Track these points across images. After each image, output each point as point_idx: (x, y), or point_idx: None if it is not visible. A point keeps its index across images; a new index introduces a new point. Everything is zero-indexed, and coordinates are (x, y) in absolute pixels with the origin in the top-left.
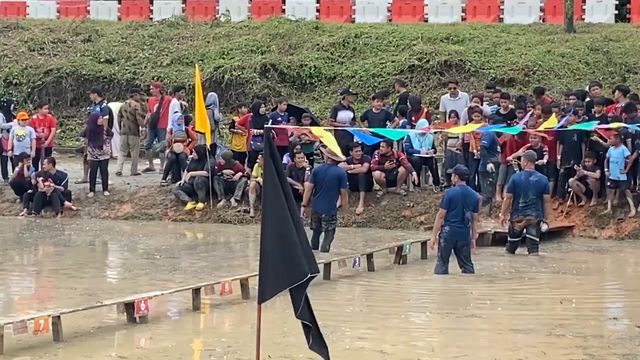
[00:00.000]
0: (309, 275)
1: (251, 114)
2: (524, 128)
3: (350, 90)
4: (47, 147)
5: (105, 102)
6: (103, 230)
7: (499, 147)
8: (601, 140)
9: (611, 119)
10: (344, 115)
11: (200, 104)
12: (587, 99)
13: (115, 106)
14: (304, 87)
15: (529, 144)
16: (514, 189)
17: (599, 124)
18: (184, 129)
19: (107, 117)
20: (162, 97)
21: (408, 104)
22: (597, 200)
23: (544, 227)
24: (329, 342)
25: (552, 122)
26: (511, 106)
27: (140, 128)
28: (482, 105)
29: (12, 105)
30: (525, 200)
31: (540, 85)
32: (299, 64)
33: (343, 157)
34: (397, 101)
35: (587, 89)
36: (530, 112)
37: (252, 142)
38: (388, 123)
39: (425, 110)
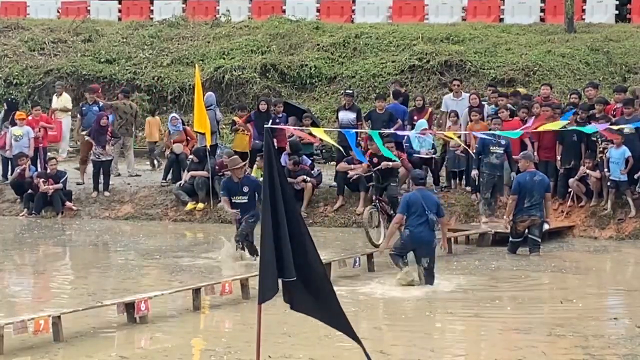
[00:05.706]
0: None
1: (252, 112)
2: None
3: (348, 90)
4: (43, 146)
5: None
6: (103, 230)
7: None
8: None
9: (600, 117)
10: (343, 115)
11: (200, 104)
12: (583, 100)
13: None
14: (304, 87)
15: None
16: (519, 190)
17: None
18: (180, 129)
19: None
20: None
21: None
22: (597, 201)
23: (545, 227)
24: (329, 343)
25: (557, 125)
26: (509, 105)
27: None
28: (480, 102)
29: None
30: (530, 201)
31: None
32: (299, 64)
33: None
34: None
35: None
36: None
37: (257, 142)
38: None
39: (430, 110)
